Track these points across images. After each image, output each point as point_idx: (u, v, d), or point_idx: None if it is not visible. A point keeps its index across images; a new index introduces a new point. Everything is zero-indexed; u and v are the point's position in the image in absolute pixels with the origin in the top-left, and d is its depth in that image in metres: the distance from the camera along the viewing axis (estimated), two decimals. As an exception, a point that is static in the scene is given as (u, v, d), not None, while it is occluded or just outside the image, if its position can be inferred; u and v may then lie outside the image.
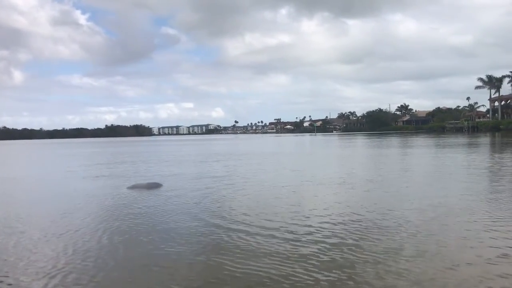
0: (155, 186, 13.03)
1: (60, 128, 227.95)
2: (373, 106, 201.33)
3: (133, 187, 12.89)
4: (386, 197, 10.26)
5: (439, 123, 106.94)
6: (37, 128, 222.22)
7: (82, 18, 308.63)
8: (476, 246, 5.86)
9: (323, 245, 6.03)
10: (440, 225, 7.04)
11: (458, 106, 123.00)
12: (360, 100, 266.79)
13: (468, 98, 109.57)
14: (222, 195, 11.04)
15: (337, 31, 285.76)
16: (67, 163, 26.94)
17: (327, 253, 5.66)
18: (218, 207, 9.34)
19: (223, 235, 6.72)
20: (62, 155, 40.06)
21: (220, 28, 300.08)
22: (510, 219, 7.37)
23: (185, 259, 5.63)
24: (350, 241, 6.18)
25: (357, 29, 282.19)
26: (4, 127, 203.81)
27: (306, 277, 4.83)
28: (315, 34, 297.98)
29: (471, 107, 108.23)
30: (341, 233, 6.68)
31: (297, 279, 4.78)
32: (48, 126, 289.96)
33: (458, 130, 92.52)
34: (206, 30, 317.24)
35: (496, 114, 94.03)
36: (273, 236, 6.54)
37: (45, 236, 7.07)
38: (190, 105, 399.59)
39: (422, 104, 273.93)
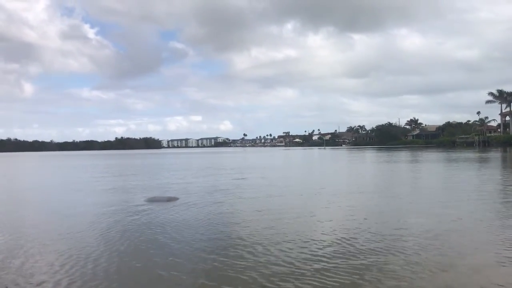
0: (172, 199, 13.17)
1: (70, 140, 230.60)
2: (381, 120, 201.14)
3: (151, 200, 13.03)
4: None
5: (449, 138, 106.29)
6: (47, 140, 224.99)
7: (90, 32, 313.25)
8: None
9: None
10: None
11: (469, 121, 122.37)
12: (368, 114, 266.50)
13: (478, 113, 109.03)
14: (240, 208, 11.15)
15: (343, 46, 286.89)
16: (81, 174, 27.21)
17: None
18: (238, 218, 9.45)
19: (240, 245, 6.81)
20: (75, 166, 40.42)
21: (226, 42, 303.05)
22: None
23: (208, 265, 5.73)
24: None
25: (363, 43, 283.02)
26: (15, 139, 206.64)
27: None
28: (321, 48, 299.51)
29: (482, 121, 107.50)
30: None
31: None
32: (58, 138, 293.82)
33: (469, 145, 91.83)
34: (213, 44, 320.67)
35: (508, 129, 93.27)
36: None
37: (65, 250, 7.21)
38: (198, 118, 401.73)
39: (430, 119, 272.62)
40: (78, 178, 24.76)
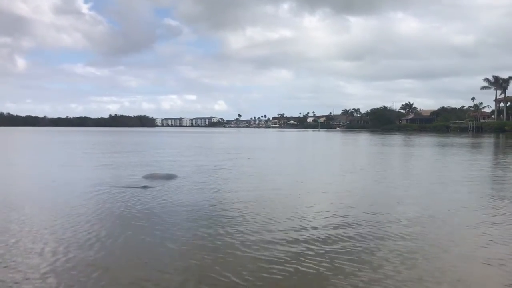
0: (171, 177, 13.44)
1: (63, 116, 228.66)
2: (375, 104, 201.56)
3: (150, 177, 13.28)
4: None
5: (443, 123, 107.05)
6: (40, 115, 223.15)
7: (84, 7, 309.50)
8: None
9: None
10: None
11: (463, 106, 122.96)
12: (363, 97, 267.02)
13: (473, 98, 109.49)
14: (241, 186, 11.50)
15: (338, 28, 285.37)
16: (79, 150, 27.37)
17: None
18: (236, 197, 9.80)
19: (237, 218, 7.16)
20: (72, 142, 40.42)
21: (221, 21, 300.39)
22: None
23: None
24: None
25: (359, 26, 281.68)
26: (8, 113, 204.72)
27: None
28: (317, 29, 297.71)
29: (476, 107, 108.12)
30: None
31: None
32: (51, 114, 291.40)
33: (462, 130, 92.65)
34: (207, 22, 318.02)
35: (501, 115, 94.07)
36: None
37: (61, 223, 7.51)
38: (193, 97, 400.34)
39: (425, 103, 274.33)
40: (78, 154, 24.96)
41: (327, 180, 13.50)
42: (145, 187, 11.20)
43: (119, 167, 16.96)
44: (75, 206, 8.75)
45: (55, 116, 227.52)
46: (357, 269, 5.04)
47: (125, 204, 8.92)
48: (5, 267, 5.07)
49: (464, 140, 48.41)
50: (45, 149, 32.84)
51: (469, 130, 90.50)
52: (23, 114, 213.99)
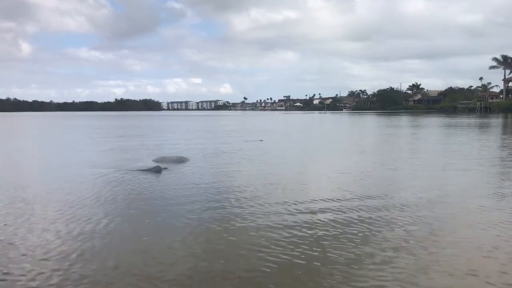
0: (182, 160, 13.62)
1: (69, 101, 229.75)
2: (382, 85, 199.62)
3: (161, 160, 13.46)
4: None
5: (450, 103, 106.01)
6: (46, 100, 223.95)
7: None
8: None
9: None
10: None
11: (471, 86, 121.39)
12: (369, 78, 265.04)
13: (481, 78, 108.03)
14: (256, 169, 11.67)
15: (343, 8, 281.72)
16: (90, 134, 27.64)
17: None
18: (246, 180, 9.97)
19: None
20: (82, 126, 40.77)
21: (225, 2, 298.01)
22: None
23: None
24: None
25: (364, 6, 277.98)
26: (15, 98, 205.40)
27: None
28: (321, 10, 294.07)
29: (484, 87, 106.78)
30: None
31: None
32: (57, 98, 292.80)
33: (470, 111, 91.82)
34: (211, 4, 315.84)
35: (510, 95, 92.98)
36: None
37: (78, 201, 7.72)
38: (198, 80, 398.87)
39: (432, 84, 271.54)
40: (90, 138, 25.23)
41: (342, 162, 13.64)
42: (157, 170, 11.35)
43: (132, 150, 17.17)
44: (101, 189, 8.98)
45: (61, 101, 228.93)
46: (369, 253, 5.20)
47: (138, 188, 9.14)
48: (23, 255, 5.15)
49: (472, 120, 48.11)
50: (59, 134, 33.18)
51: (477, 111, 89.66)
52: (29, 99, 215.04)
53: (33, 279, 4.32)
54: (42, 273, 4.47)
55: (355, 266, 4.59)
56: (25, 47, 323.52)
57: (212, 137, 25.58)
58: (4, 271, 4.53)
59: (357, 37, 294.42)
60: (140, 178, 10.23)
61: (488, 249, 5.11)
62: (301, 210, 6.97)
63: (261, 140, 21.43)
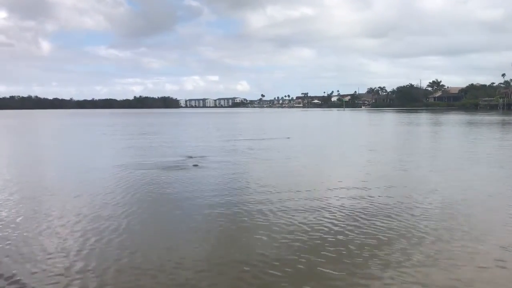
0: (214, 156, 14.24)
1: (89, 98, 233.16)
2: (401, 82, 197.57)
3: (190, 157, 14.10)
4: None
5: (472, 100, 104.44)
6: (67, 98, 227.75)
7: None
8: None
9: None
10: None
11: (493, 83, 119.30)
12: (388, 75, 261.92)
13: (503, 75, 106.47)
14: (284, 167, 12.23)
15: (360, 4, 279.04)
16: (118, 132, 28.46)
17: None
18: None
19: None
20: (108, 125, 41.72)
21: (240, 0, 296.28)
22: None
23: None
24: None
25: (381, 2, 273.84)
26: (36, 96, 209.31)
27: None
28: (338, 6, 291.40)
29: (507, 84, 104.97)
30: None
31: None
32: (77, 96, 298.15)
33: (492, 108, 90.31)
34: (227, 2, 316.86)
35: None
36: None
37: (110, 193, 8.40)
38: (215, 78, 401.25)
39: (452, 81, 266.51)
40: (123, 135, 26.10)
41: (366, 158, 14.07)
42: (183, 167, 11.99)
43: (153, 149, 17.88)
44: (141, 183, 9.68)
45: (81, 98, 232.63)
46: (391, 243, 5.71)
47: (162, 186, 9.79)
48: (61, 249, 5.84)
49: (496, 117, 47.52)
50: (87, 133, 34.24)
51: (500, 108, 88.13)
52: (49, 97, 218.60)
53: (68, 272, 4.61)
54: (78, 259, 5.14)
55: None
56: (45, 46, 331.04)
57: (240, 134, 26.05)
58: (47, 257, 4.94)
59: (374, 34, 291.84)
60: (179, 174, 10.89)
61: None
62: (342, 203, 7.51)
63: (288, 138, 21.92)
